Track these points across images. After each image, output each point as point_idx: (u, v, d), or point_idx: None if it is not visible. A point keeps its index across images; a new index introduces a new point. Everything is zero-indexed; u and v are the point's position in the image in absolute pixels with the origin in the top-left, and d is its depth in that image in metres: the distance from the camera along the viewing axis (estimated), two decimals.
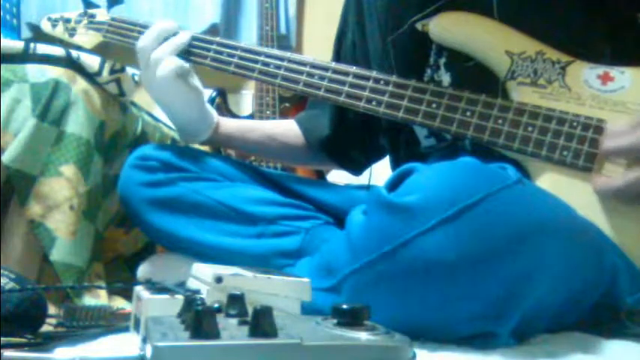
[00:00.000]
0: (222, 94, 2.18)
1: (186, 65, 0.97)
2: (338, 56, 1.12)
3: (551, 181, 0.77)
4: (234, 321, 0.45)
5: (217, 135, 1.06)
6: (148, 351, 0.39)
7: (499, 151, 0.82)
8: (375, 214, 0.65)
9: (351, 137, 1.12)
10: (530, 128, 0.80)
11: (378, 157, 1.15)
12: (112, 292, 1.00)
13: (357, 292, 0.64)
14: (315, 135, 1.14)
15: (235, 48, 0.98)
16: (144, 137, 1.19)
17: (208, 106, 1.04)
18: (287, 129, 1.16)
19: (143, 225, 0.98)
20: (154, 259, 1.02)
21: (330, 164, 1.21)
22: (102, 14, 1.12)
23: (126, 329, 0.63)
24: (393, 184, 0.66)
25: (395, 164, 1.06)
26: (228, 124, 1.08)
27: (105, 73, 1.07)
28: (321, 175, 1.97)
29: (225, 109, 2.17)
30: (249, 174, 1.01)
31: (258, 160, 1.79)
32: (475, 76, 0.86)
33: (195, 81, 0.99)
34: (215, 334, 0.40)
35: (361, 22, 1.05)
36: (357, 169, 1.18)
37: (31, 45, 1.05)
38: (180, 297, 0.53)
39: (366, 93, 0.89)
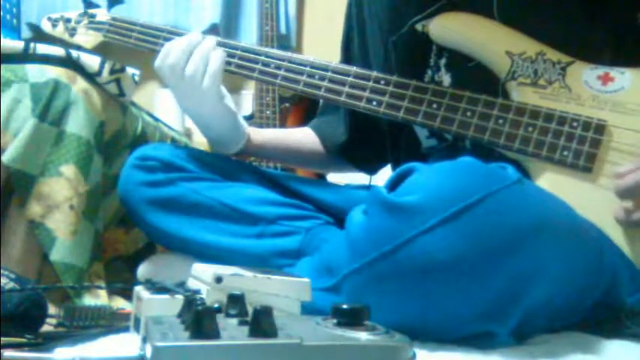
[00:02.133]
0: None
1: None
2: (348, 63, 1.11)
3: (552, 181, 0.77)
4: (234, 321, 0.45)
5: (250, 145, 1.05)
6: (148, 351, 0.39)
7: (499, 151, 0.82)
8: (375, 213, 0.65)
9: (367, 140, 1.11)
10: (530, 128, 0.80)
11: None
12: (112, 292, 1.00)
13: (357, 292, 0.64)
14: (333, 141, 1.14)
15: (235, 48, 0.98)
16: (144, 137, 1.19)
17: (240, 117, 1.04)
18: (306, 136, 1.16)
19: (143, 225, 0.98)
20: (154, 259, 1.02)
21: (348, 168, 1.21)
22: (102, 14, 1.12)
23: (126, 329, 0.63)
24: (393, 184, 0.66)
25: (395, 164, 1.06)
26: (258, 134, 1.08)
27: (105, 73, 1.07)
28: (321, 175, 1.97)
29: None
30: (249, 174, 1.01)
31: (258, 160, 1.79)
32: (475, 76, 0.86)
33: (225, 90, 0.99)
34: (215, 334, 0.40)
35: (362, 24, 1.05)
36: (373, 169, 1.18)
37: (31, 45, 1.05)
38: (180, 297, 0.53)
39: (367, 93, 0.89)
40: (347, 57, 1.11)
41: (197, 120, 1.00)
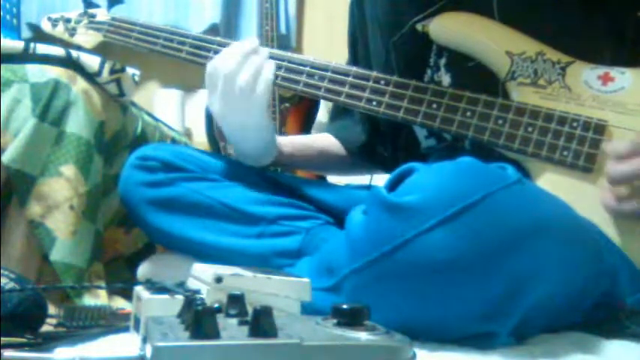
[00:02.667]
0: None
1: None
2: (355, 63, 1.11)
3: (552, 182, 0.77)
4: (234, 321, 0.45)
5: (281, 156, 1.04)
6: (148, 351, 0.39)
7: (499, 152, 0.82)
8: (374, 213, 0.65)
9: (384, 139, 1.11)
10: (530, 129, 0.80)
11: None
12: (112, 292, 1.00)
13: (357, 292, 0.64)
14: (353, 142, 1.14)
15: None
16: (144, 137, 1.19)
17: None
18: (329, 141, 1.16)
19: (143, 225, 0.98)
20: (154, 259, 1.02)
21: (371, 169, 1.20)
22: (102, 14, 1.12)
23: (126, 329, 0.63)
24: (393, 184, 0.66)
25: (395, 164, 1.05)
26: (287, 145, 1.07)
27: (105, 73, 1.07)
28: (321, 176, 1.98)
29: None
30: (250, 174, 1.01)
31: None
32: (475, 76, 0.86)
33: None
34: (215, 334, 0.40)
35: (363, 24, 1.05)
36: (392, 167, 1.18)
37: (31, 45, 1.05)
38: (180, 297, 0.53)
39: (367, 94, 0.89)
40: (354, 57, 1.11)
41: (236, 132, 0.96)
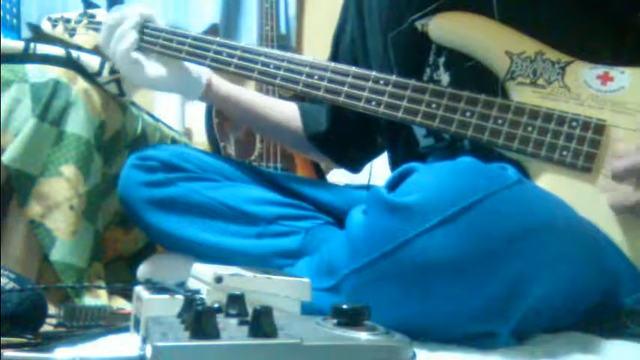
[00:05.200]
0: None
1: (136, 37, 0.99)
2: (336, 54, 1.12)
3: (551, 181, 0.77)
4: (234, 321, 0.45)
5: (211, 94, 1.07)
6: (148, 351, 0.39)
7: (499, 151, 0.82)
8: (375, 213, 0.65)
9: (347, 134, 1.12)
10: (529, 128, 0.80)
11: (374, 154, 1.15)
12: (112, 292, 1.00)
13: (357, 292, 0.64)
14: (312, 128, 1.14)
15: (235, 48, 0.98)
16: (144, 137, 1.19)
17: (195, 68, 1.04)
18: (289, 112, 1.15)
19: (143, 225, 0.98)
20: (154, 259, 1.02)
21: (323, 158, 1.21)
22: (102, 14, 1.12)
23: (126, 329, 0.63)
24: (393, 184, 0.66)
25: (394, 164, 1.06)
26: (222, 86, 1.08)
27: (105, 73, 1.07)
28: (321, 176, 1.97)
29: None
30: (249, 174, 1.01)
31: (258, 161, 1.79)
32: (474, 75, 0.86)
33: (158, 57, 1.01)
34: (215, 334, 0.40)
35: (361, 20, 1.05)
36: (353, 166, 1.18)
37: (31, 45, 1.05)
38: (180, 297, 0.53)
39: (366, 93, 0.89)
40: (336, 50, 1.11)
41: (147, 86, 1.03)
